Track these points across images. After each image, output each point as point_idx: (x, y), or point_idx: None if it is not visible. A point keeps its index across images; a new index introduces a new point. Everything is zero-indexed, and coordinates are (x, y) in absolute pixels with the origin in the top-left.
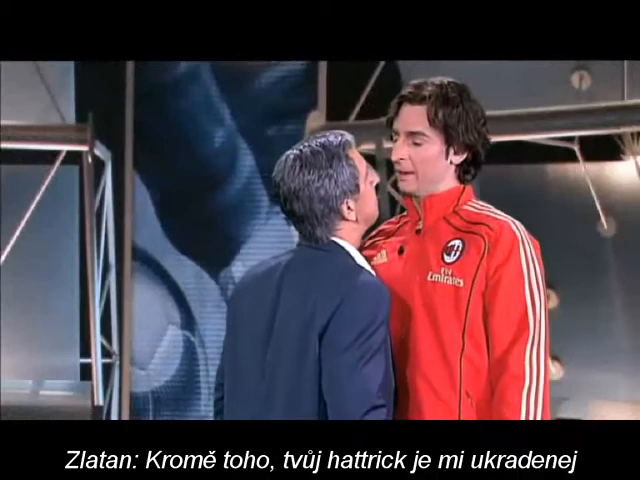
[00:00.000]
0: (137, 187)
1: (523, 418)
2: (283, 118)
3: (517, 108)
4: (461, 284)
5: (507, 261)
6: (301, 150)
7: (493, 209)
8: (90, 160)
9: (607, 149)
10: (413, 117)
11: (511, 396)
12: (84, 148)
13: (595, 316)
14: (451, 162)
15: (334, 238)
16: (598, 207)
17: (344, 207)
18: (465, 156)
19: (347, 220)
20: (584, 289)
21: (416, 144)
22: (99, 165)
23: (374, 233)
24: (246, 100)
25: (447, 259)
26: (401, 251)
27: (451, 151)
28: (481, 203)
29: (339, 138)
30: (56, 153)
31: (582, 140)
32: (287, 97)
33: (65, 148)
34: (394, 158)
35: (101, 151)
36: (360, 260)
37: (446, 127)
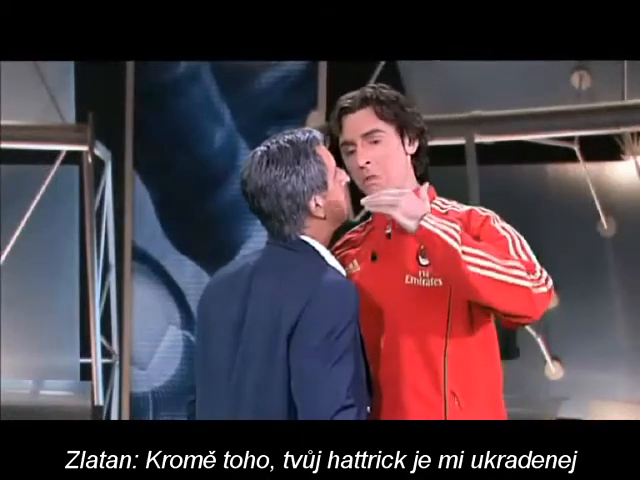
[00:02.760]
0: (137, 187)
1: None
2: (283, 118)
3: (517, 108)
4: (440, 283)
5: (481, 229)
6: (268, 147)
7: (457, 204)
8: (90, 160)
9: (607, 149)
10: (362, 120)
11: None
12: (84, 148)
13: (595, 316)
14: (407, 153)
15: (303, 237)
16: (598, 207)
17: (312, 204)
18: (417, 144)
19: (315, 217)
20: (584, 289)
21: (375, 142)
22: (99, 165)
23: (339, 243)
24: (246, 100)
25: (423, 261)
26: (374, 257)
27: (406, 140)
28: (444, 200)
29: (307, 134)
30: (56, 153)
31: (582, 140)
32: (287, 97)
33: (65, 148)
34: (360, 164)
35: (101, 151)
36: (329, 259)
37: (396, 117)
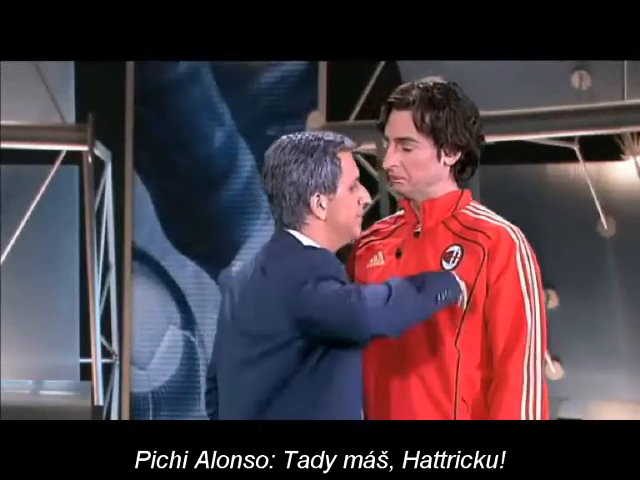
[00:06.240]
0: (137, 187)
1: None
2: (283, 118)
3: (517, 108)
4: None
5: (506, 269)
6: (296, 135)
7: (491, 214)
8: (90, 160)
9: (607, 149)
10: (400, 123)
11: (510, 406)
12: (84, 148)
13: (595, 316)
14: (445, 164)
15: (300, 236)
16: (598, 207)
17: (313, 200)
18: (458, 156)
19: (315, 217)
20: (584, 289)
21: (406, 150)
22: (99, 165)
23: (368, 232)
24: (246, 100)
25: (446, 266)
26: (399, 254)
27: (442, 153)
28: (479, 207)
29: (337, 138)
30: (56, 153)
31: (582, 140)
32: (287, 97)
33: (65, 148)
34: (385, 166)
35: (101, 151)
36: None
37: (434, 130)
